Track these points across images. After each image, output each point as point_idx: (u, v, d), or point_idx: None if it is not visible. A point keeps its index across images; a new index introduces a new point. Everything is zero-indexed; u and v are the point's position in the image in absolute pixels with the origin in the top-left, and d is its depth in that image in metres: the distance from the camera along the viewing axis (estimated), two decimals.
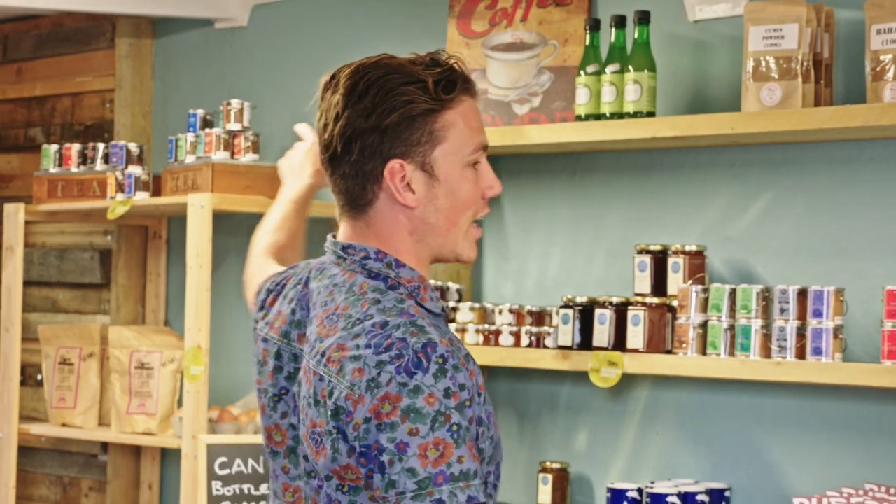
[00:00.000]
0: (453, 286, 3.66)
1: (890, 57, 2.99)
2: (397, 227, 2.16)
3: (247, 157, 4.09)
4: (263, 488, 3.90)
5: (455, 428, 1.97)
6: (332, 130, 2.14)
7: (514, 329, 3.48)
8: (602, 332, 3.32)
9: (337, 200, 2.19)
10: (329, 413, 2.03)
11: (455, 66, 2.16)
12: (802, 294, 3.07)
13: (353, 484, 2.03)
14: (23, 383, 4.79)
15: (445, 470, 1.95)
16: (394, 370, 1.99)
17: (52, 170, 4.46)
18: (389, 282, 2.13)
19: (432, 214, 2.15)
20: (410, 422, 1.96)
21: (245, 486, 3.89)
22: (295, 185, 2.71)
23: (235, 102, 4.12)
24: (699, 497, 3.22)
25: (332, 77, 2.17)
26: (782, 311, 3.08)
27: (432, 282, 3.42)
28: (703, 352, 3.19)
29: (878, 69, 3.01)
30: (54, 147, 4.48)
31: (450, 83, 2.14)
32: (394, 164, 2.13)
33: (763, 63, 3.12)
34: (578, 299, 3.37)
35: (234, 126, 4.12)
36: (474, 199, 2.17)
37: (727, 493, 3.29)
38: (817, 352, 3.03)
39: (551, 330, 3.43)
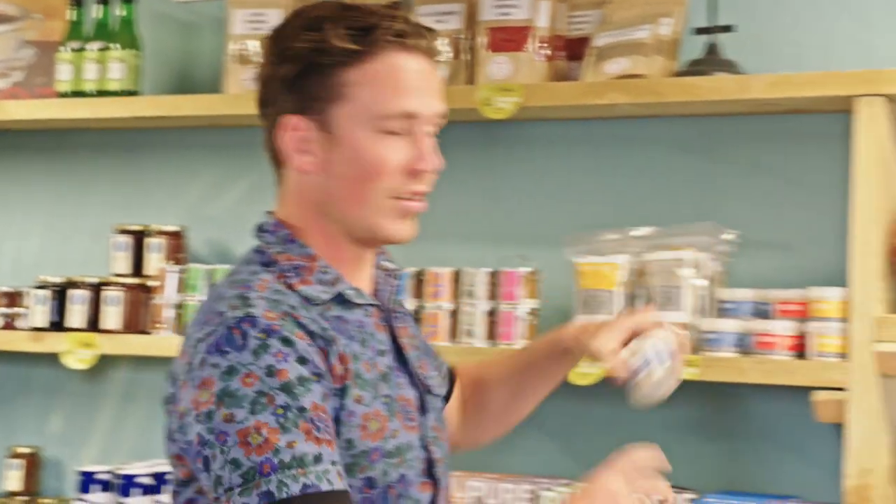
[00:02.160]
0: None
1: None
2: (302, 196, 1.84)
3: None
4: None
5: (280, 411, 1.67)
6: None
7: None
8: (77, 313, 3.25)
9: None
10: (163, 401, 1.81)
11: (394, 16, 1.83)
12: None
13: (183, 479, 1.79)
14: None
15: (272, 457, 1.65)
16: (205, 349, 1.71)
17: None
18: (266, 257, 1.84)
19: (334, 183, 1.81)
20: (226, 407, 1.67)
21: None
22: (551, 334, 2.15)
23: None
24: (169, 476, 3.20)
25: None
26: None
27: None
28: (180, 332, 3.18)
29: None
30: None
31: (367, 33, 1.81)
32: (287, 119, 1.81)
33: (246, 46, 3.15)
34: (54, 280, 3.29)
35: None
36: (388, 172, 1.81)
37: None
38: None
39: (25, 311, 3.32)
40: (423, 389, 1.90)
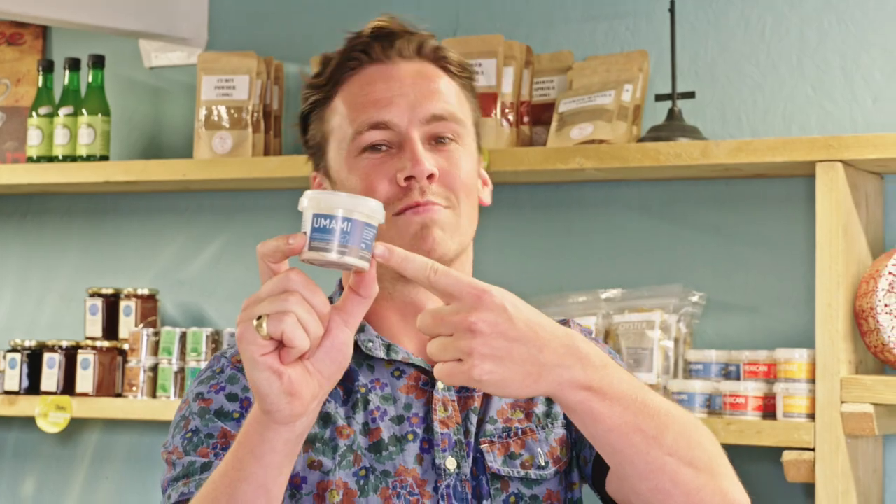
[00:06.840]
0: None
1: None
2: None
3: None
4: None
5: (189, 435, 1.70)
6: None
7: None
8: (51, 377, 3.28)
9: None
10: None
11: (359, 37, 1.76)
12: None
13: None
14: None
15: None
16: None
17: None
18: None
19: None
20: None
21: None
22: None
23: None
24: None
25: None
26: None
27: None
28: (154, 394, 3.21)
29: None
30: None
31: (328, 68, 1.76)
32: (312, 178, 1.80)
33: (215, 112, 3.19)
34: (27, 343, 3.31)
35: None
36: (377, 190, 1.69)
37: None
38: None
39: None
40: (445, 471, 1.70)
